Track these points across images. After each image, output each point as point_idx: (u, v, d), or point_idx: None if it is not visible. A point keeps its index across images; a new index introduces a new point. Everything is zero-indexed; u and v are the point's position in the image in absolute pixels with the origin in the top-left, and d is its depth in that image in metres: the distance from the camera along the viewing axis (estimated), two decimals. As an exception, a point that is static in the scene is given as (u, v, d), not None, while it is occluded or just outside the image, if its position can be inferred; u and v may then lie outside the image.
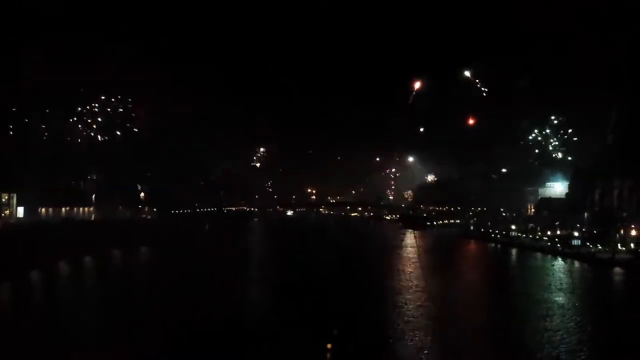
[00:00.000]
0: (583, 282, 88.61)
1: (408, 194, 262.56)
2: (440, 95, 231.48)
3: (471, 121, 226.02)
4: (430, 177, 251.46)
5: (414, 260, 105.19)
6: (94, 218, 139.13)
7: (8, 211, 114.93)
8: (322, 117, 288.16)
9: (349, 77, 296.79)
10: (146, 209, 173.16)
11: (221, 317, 54.12)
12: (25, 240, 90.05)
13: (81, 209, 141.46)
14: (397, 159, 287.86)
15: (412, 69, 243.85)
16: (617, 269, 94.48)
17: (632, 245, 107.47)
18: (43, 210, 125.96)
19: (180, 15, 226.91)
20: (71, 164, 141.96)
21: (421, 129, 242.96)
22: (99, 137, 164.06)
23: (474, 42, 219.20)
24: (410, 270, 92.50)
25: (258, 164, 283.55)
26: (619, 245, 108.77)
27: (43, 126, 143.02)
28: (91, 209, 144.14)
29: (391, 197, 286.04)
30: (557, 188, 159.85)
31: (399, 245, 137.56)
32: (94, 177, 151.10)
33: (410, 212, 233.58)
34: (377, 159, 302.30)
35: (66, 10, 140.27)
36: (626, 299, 74.85)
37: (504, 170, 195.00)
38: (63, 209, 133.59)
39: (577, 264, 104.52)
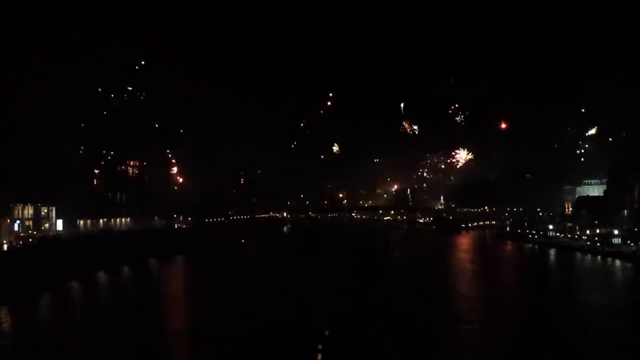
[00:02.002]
0: (629, 282, 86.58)
1: (441, 195, 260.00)
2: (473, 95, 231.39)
3: (503, 125, 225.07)
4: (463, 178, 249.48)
5: (455, 270, 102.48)
6: (131, 228, 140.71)
7: (48, 224, 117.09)
8: (350, 120, 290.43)
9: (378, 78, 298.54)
10: (181, 217, 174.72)
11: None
12: (65, 252, 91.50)
13: (118, 219, 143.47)
14: (428, 161, 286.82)
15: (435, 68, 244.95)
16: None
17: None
18: (81, 222, 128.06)
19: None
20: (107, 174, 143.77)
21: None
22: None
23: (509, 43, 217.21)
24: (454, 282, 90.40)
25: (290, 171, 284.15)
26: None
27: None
28: (128, 219, 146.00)
29: (425, 197, 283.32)
30: (595, 186, 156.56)
31: (437, 252, 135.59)
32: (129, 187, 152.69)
33: (444, 214, 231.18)
34: (407, 161, 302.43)
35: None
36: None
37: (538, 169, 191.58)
38: (101, 221, 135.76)
39: (618, 262, 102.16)
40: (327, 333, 45.24)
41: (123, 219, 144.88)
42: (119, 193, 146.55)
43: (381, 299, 68.37)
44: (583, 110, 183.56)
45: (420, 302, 66.90)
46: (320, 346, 42.25)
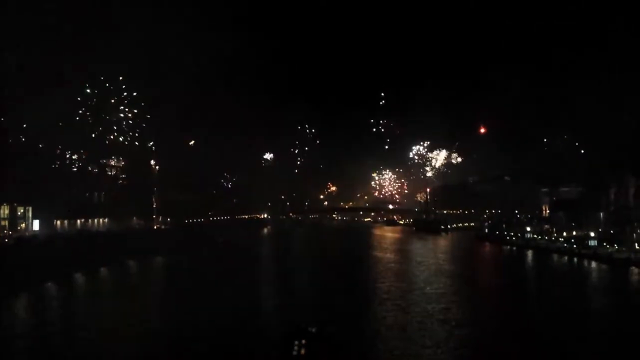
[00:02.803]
0: (601, 283, 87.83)
1: (421, 197, 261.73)
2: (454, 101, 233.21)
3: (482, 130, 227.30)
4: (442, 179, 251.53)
5: (432, 270, 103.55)
6: (109, 229, 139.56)
7: (24, 224, 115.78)
8: (332, 122, 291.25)
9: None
10: (160, 218, 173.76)
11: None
12: (41, 252, 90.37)
13: (96, 220, 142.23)
14: (409, 162, 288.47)
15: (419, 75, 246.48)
16: (635, 269, 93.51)
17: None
18: (58, 222, 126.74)
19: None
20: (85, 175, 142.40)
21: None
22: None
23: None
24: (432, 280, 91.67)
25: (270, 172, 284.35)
26: (636, 244, 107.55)
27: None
28: (106, 220, 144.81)
29: (405, 201, 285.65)
30: (572, 189, 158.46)
31: (416, 252, 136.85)
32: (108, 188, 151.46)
33: (424, 216, 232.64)
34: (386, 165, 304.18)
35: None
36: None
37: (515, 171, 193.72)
38: (78, 221, 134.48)
39: (594, 264, 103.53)
40: (312, 330, 45.43)
41: (101, 220, 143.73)
42: (96, 193, 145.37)
43: (353, 299, 68.71)
44: (560, 113, 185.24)
45: (398, 304, 67.00)
46: (304, 342, 42.58)
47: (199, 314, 59.71)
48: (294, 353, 41.74)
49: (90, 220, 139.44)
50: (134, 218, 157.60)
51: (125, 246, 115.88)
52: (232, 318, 57.42)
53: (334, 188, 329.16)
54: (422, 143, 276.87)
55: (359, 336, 50.86)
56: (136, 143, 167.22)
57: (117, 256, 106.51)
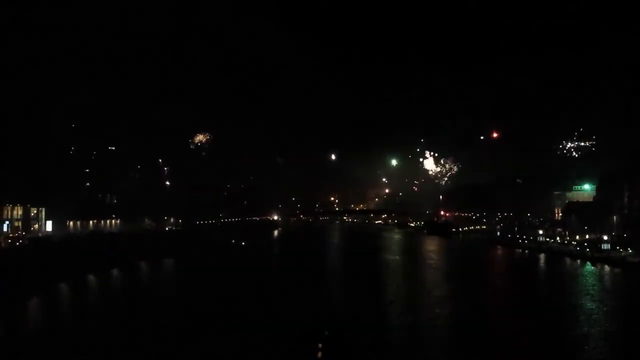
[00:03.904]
0: (615, 287, 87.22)
1: (432, 199, 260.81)
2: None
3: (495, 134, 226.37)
4: (454, 182, 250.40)
5: (444, 272, 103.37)
6: (121, 230, 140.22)
7: (37, 225, 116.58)
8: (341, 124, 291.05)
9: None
10: (171, 219, 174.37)
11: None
12: (54, 253, 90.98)
13: (108, 221, 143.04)
14: (420, 165, 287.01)
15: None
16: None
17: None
18: (71, 223, 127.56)
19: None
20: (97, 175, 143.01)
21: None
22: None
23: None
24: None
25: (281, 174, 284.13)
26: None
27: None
28: (118, 221, 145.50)
29: (416, 201, 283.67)
30: (585, 192, 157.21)
31: (428, 255, 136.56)
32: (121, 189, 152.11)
33: (435, 219, 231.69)
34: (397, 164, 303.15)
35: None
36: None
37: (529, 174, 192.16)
38: (90, 222, 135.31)
39: (607, 268, 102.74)
40: (326, 333, 45.66)
41: (113, 221, 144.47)
42: (108, 194, 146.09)
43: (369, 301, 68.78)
44: (574, 117, 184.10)
45: (412, 306, 67.06)
46: (320, 345, 42.80)
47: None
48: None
49: (102, 221, 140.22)
50: (146, 219, 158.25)
51: (136, 247, 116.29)
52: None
53: (344, 190, 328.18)
54: (432, 154, 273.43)
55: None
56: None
57: (129, 257, 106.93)
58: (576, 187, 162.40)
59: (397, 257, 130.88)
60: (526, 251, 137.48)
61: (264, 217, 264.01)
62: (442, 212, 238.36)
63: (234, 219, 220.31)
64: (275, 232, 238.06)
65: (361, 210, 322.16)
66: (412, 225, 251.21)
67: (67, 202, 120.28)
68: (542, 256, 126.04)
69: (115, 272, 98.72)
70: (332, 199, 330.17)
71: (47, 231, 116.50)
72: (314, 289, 77.98)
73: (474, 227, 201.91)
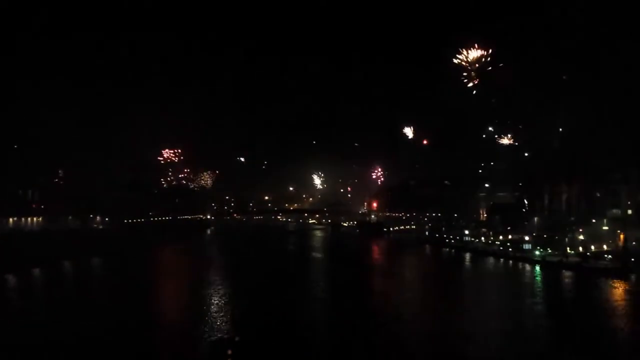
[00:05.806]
0: (532, 284, 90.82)
1: (364, 200, 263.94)
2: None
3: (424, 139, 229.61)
4: (385, 183, 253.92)
5: (373, 268, 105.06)
6: (44, 228, 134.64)
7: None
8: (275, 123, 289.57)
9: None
10: (98, 218, 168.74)
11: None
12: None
13: (29, 218, 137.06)
14: (354, 165, 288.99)
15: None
16: (566, 272, 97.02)
17: (580, 248, 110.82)
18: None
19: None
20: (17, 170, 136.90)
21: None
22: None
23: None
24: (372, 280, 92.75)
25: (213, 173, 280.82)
26: (567, 249, 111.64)
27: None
28: (40, 218, 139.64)
29: (350, 203, 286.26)
30: (508, 193, 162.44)
31: (359, 252, 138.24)
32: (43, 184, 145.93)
33: (368, 218, 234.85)
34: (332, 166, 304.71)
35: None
36: (574, 299, 77.49)
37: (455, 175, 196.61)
38: (10, 219, 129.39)
39: (527, 267, 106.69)
40: (236, 339, 45.57)
41: (35, 218, 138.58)
42: (30, 190, 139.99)
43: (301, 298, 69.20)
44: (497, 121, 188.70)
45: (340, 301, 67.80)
46: (230, 352, 42.74)
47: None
48: None
49: (23, 219, 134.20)
50: (69, 217, 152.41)
51: (60, 246, 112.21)
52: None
53: (278, 190, 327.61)
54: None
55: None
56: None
57: (52, 257, 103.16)
58: (500, 188, 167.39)
59: (322, 255, 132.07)
60: (452, 250, 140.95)
61: (197, 216, 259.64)
62: (373, 212, 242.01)
63: (165, 217, 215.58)
64: (208, 232, 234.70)
65: (295, 210, 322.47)
66: (345, 224, 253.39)
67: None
68: (467, 255, 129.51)
69: (36, 271, 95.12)
70: (267, 198, 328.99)
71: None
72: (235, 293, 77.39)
73: (404, 226, 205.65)
